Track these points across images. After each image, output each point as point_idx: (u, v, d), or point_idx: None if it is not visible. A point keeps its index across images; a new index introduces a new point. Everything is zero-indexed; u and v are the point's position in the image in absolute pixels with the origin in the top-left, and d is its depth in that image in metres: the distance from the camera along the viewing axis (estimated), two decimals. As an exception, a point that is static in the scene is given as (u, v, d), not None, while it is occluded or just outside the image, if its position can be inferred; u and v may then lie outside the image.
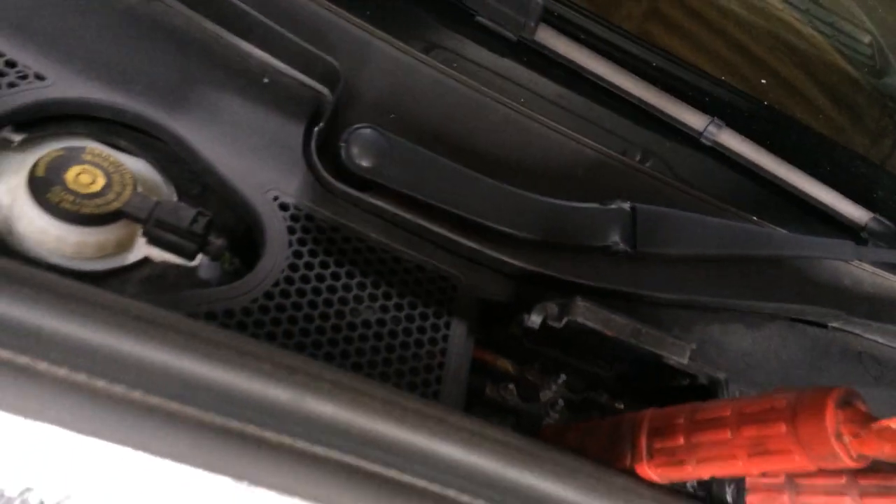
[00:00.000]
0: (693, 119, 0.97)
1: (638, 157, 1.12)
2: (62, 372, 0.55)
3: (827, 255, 0.96)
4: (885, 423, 0.48)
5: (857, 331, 0.98)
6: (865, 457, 0.50)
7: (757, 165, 0.99)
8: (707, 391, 0.86)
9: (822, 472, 0.62)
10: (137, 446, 0.57)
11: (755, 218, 0.97)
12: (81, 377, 0.56)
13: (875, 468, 0.60)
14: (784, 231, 0.94)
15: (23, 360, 0.55)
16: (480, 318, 0.82)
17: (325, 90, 0.84)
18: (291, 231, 0.76)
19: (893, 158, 1.05)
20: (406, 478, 0.63)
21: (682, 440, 0.60)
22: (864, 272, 1.03)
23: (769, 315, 0.93)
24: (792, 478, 0.63)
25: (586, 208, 0.85)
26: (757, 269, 0.94)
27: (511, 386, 0.87)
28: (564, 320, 0.73)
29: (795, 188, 1.01)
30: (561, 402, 0.89)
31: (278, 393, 0.59)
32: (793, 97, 1.03)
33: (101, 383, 0.56)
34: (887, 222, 1.04)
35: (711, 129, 0.96)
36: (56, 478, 0.57)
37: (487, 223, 0.81)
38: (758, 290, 0.92)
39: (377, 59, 0.87)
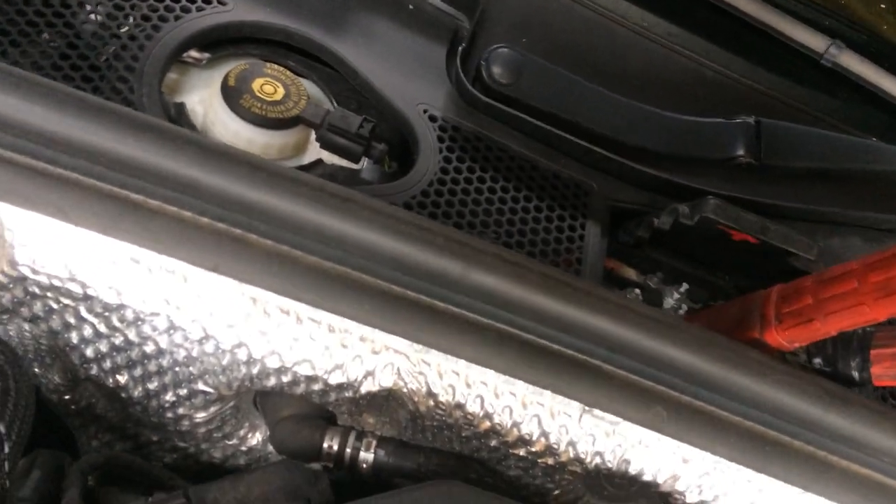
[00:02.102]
0: (814, 41, 1.02)
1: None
2: (269, 244, 0.67)
3: None
4: None
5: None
6: None
7: (877, 87, 1.03)
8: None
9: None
10: (329, 309, 0.69)
11: (874, 139, 1.02)
12: (284, 248, 0.68)
13: None
14: (905, 148, 0.99)
15: (237, 232, 0.67)
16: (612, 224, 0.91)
17: (462, 16, 0.94)
18: (441, 140, 0.86)
19: None
20: (555, 347, 0.72)
21: (810, 299, 0.67)
22: None
23: (888, 230, 0.98)
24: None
25: (712, 122, 0.92)
26: (877, 183, 0.99)
27: (637, 291, 0.95)
28: (697, 217, 0.81)
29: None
30: (684, 308, 0.97)
31: (448, 264, 0.69)
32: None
33: (298, 253, 0.68)
34: None
35: (833, 50, 1.01)
36: (254, 331, 0.69)
37: (618, 136, 0.90)
38: (878, 203, 0.97)
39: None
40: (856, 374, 0.74)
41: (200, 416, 0.78)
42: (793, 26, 0.98)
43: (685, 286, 0.95)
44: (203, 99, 0.80)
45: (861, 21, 1.03)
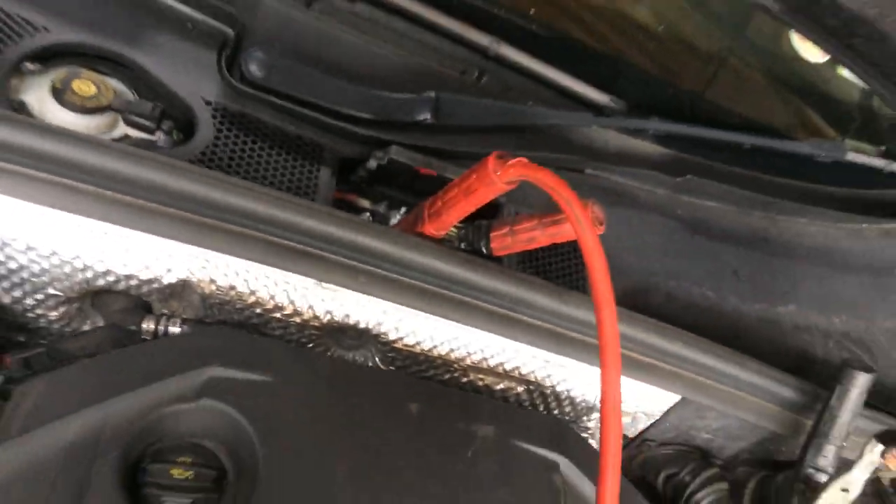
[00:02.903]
0: (481, 38, 1.45)
1: (476, 73, 1.60)
2: (90, 188, 1.01)
3: (571, 123, 1.47)
4: (514, 160, 0.99)
5: (604, 174, 1.49)
6: (511, 181, 1.00)
7: (528, 68, 1.48)
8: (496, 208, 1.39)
9: (525, 220, 1.13)
10: (134, 227, 1.03)
11: (531, 103, 1.46)
12: (99, 189, 1.02)
13: (552, 214, 1.11)
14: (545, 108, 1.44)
15: (64, 180, 1.01)
16: (342, 170, 1.31)
17: (228, 28, 1.30)
18: (214, 117, 1.22)
19: (631, 54, 1.55)
20: (289, 242, 1.10)
21: (440, 203, 1.10)
22: (610, 135, 1.53)
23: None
24: (512, 227, 1.14)
25: (407, 97, 1.33)
26: (528, 134, 1.44)
27: (367, 215, 1.36)
28: (386, 159, 1.23)
29: (558, 83, 1.51)
30: (403, 225, 1.39)
31: (212, 192, 1.05)
32: (561, 15, 1.52)
33: (108, 192, 1.02)
34: (622, 101, 1.55)
35: (494, 45, 1.45)
36: (85, 246, 1.03)
37: (341, 109, 1.30)
38: (528, 146, 1.42)
39: (264, 8, 1.34)
40: (483, 249, 1.17)
41: (53, 314, 1.12)
42: (463, 28, 1.41)
43: (404, 209, 1.37)
44: (38, 97, 1.13)
45: (517, 22, 1.47)
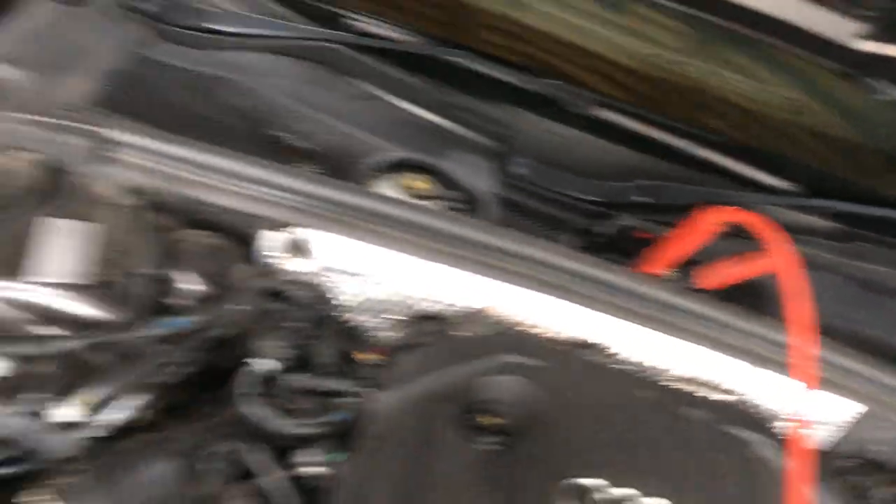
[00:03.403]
0: (683, 144, 1.92)
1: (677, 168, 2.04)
2: (417, 240, 1.55)
3: (752, 201, 1.79)
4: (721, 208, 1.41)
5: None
6: (719, 223, 1.44)
7: (718, 164, 1.91)
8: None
9: (723, 260, 1.54)
10: (453, 265, 1.55)
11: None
12: (427, 242, 1.56)
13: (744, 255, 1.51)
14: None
15: (402, 235, 1.56)
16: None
17: (502, 144, 1.86)
18: (498, 202, 1.78)
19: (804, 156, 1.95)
20: (554, 280, 1.56)
21: (656, 250, 1.54)
22: (785, 211, 1.86)
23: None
24: (713, 267, 1.55)
25: (625, 185, 1.78)
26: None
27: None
28: (618, 225, 1.71)
29: (740, 173, 1.92)
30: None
31: (509, 244, 1.55)
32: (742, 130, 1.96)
33: (452, 249, 1.56)
34: (794, 184, 1.92)
35: (692, 148, 1.90)
36: (413, 284, 1.56)
37: (578, 195, 1.81)
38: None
39: (523, 131, 1.90)
40: (690, 284, 1.60)
41: (388, 335, 1.64)
42: (669, 137, 1.90)
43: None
44: (388, 188, 1.73)
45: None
